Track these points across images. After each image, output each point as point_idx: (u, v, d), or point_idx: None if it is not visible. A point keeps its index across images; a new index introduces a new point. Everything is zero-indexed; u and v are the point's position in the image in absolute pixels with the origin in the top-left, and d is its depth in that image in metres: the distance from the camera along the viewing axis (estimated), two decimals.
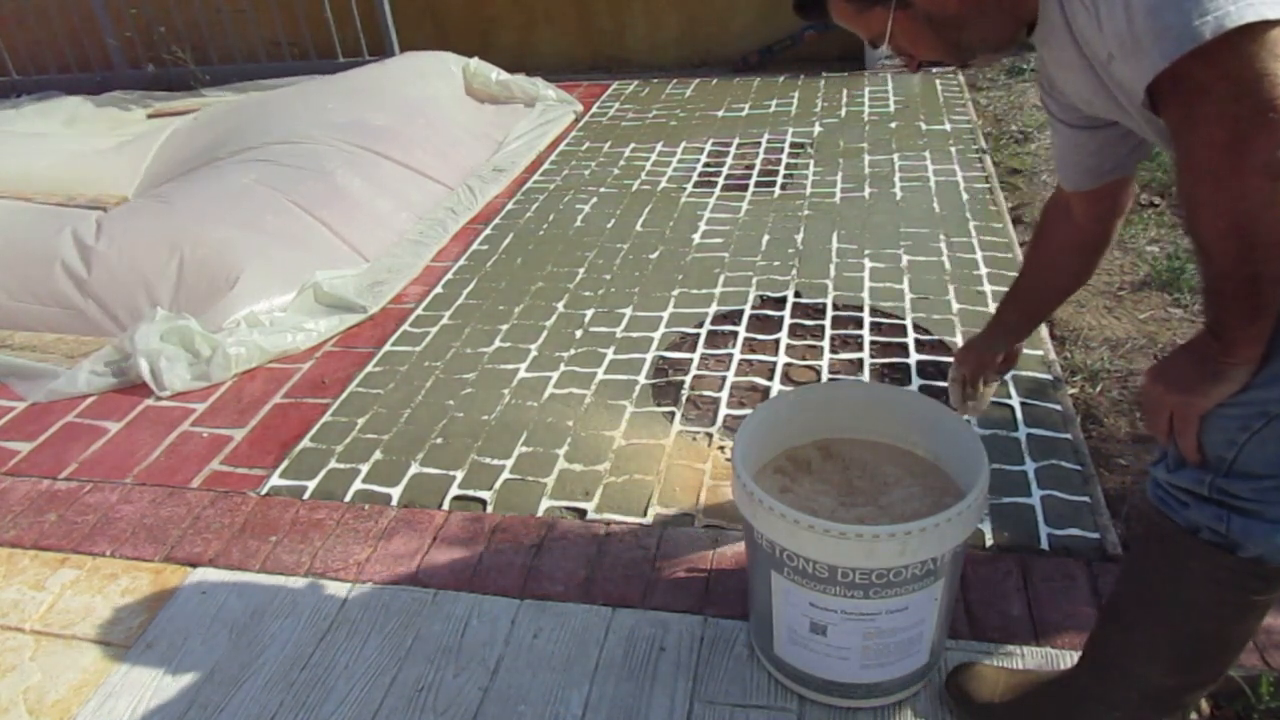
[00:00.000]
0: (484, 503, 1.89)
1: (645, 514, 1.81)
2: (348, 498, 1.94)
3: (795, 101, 4.26)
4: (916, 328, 2.36)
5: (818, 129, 3.88)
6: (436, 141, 3.69)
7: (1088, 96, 1.01)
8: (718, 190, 3.37)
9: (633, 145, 3.93)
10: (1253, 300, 0.86)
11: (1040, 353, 2.20)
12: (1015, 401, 2.03)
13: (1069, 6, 0.92)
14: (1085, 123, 1.13)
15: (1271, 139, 0.77)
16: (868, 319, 2.42)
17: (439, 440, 2.10)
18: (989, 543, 1.66)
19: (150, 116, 4.54)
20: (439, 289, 2.83)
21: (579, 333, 2.50)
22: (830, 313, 2.47)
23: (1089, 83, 0.97)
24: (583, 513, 1.83)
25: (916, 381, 2.14)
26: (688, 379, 2.24)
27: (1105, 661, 1.19)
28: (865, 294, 2.54)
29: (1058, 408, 2.00)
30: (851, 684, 1.33)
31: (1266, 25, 0.75)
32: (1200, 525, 1.00)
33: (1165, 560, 1.07)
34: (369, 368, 2.43)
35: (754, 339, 2.39)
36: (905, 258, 2.72)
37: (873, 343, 2.31)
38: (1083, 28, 0.90)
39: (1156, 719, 1.18)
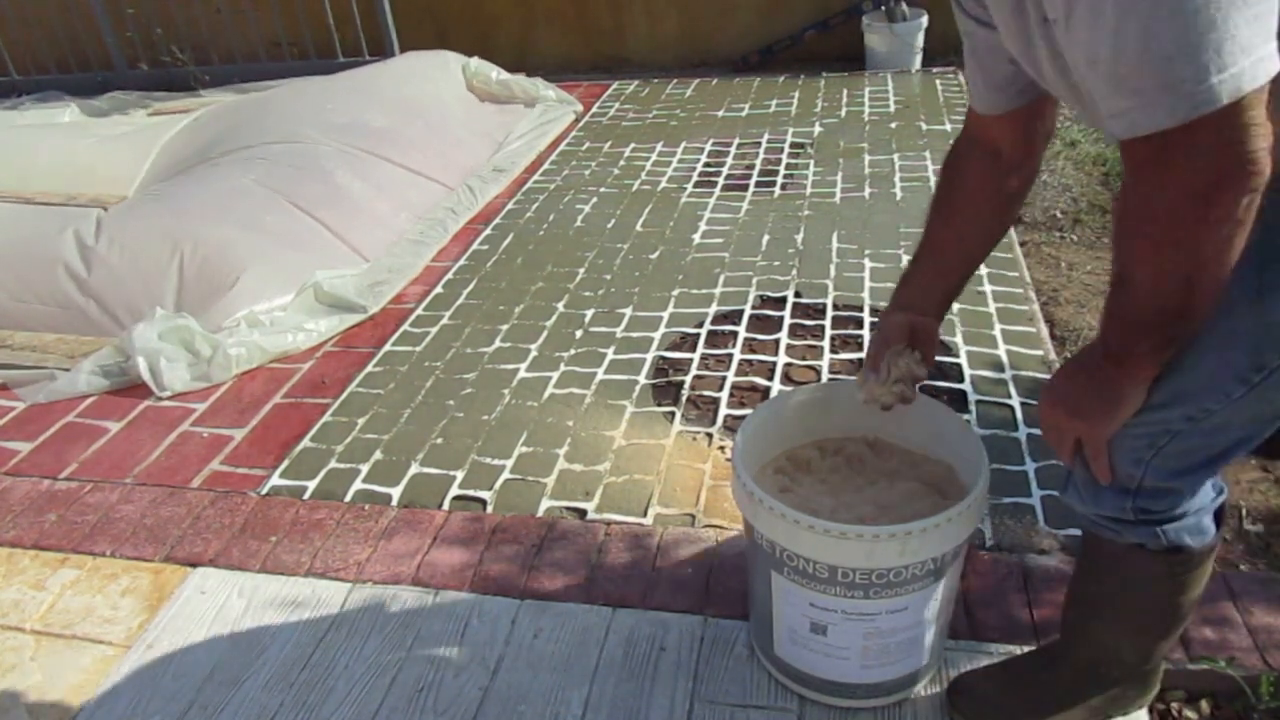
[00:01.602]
0: (484, 503, 1.89)
1: (645, 514, 1.81)
2: (348, 498, 1.94)
3: (795, 101, 4.26)
4: None
5: (818, 129, 3.88)
6: (436, 142, 3.69)
7: (1008, 29, 0.91)
8: (718, 190, 3.37)
9: (633, 145, 3.93)
10: (1171, 334, 0.88)
11: (1040, 353, 2.20)
12: (1015, 401, 2.03)
13: None
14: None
15: (1242, 190, 0.75)
16: (868, 319, 2.42)
17: (439, 440, 2.10)
18: (989, 543, 1.66)
19: (150, 116, 4.53)
20: (439, 289, 2.83)
21: (579, 333, 2.50)
22: (830, 313, 2.47)
23: (1012, 20, 0.88)
24: (583, 513, 1.83)
25: None
26: (688, 379, 2.24)
27: (1078, 645, 1.25)
28: (865, 294, 2.54)
29: None
30: (851, 684, 1.33)
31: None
32: (1143, 541, 1.06)
33: (1112, 569, 1.13)
34: (369, 368, 2.43)
35: (754, 339, 2.39)
36: (905, 258, 2.72)
37: None
38: None
39: (1137, 685, 1.26)
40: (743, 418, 1.55)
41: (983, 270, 2.59)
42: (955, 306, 2.44)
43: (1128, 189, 0.82)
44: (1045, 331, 2.29)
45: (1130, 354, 0.91)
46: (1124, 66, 0.72)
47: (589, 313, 2.60)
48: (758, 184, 3.39)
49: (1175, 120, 0.72)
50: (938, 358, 2.19)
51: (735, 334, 2.42)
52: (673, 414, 2.11)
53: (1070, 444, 1.01)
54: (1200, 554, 1.07)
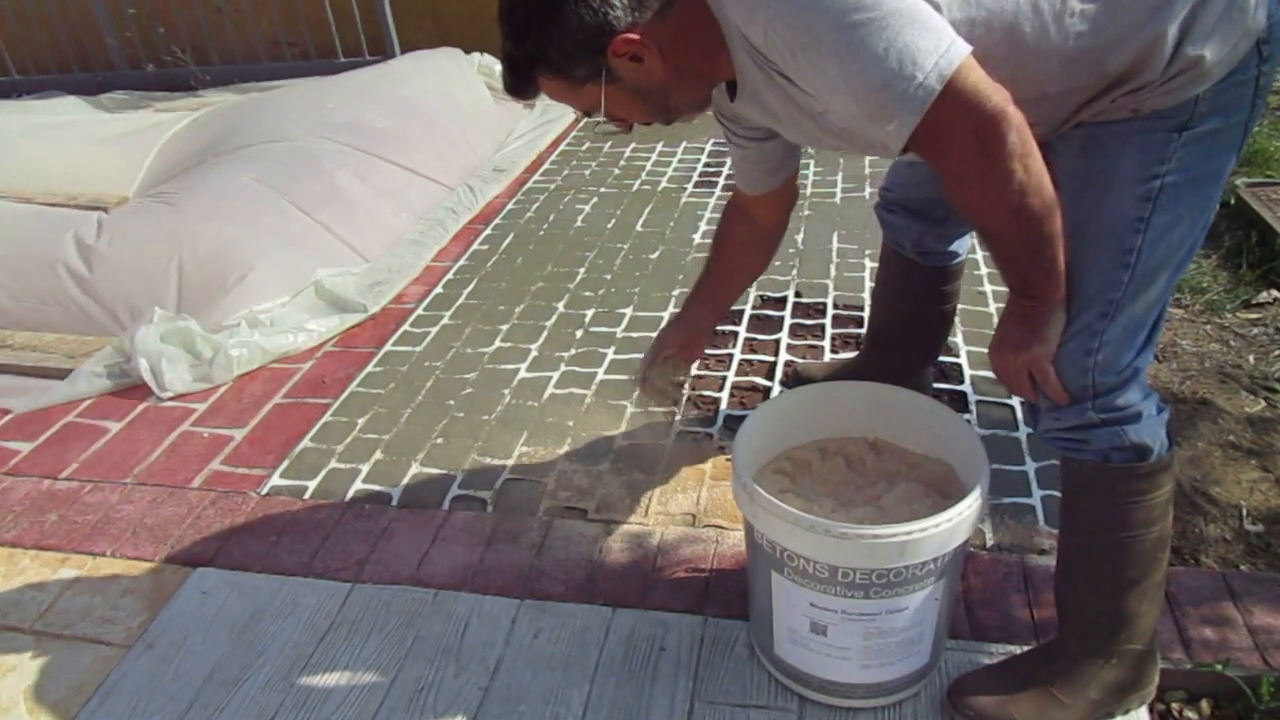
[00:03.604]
0: (484, 503, 1.89)
1: (645, 514, 1.81)
2: (348, 498, 1.94)
3: None
4: None
5: None
6: (437, 141, 3.69)
7: (797, 132, 1.20)
8: (718, 190, 3.37)
9: (633, 145, 3.93)
10: (1046, 255, 1.07)
11: None
12: (1014, 401, 2.03)
13: (776, 82, 1.08)
14: (769, 135, 1.37)
15: (1005, 130, 0.96)
16: (868, 318, 2.41)
17: (439, 440, 2.10)
18: (989, 543, 1.66)
19: (150, 116, 4.53)
20: (439, 289, 2.83)
21: (579, 332, 2.50)
22: (830, 312, 2.47)
23: (801, 123, 1.15)
24: (583, 512, 1.83)
25: None
26: (688, 379, 2.24)
27: (1071, 624, 1.30)
28: (865, 294, 2.54)
29: None
30: (851, 684, 1.33)
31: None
32: (1107, 451, 1.17)
33: (1090, 499, 1.23)
34: (369, 368, 2.43)
35: (754, 339, 2.39)
36: None
37: None
38: (791, 95, 1.08)
39: (1133, 676, 1.29)
40: (743, 418, 1.55)
41: (982, 270, 2.59)
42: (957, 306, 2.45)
43: (942, 181, 1.06)
44: None
45: (1033, 285, 1.11)
46: (870, 108, 0.98)
47: (589, 312, 2.60)
48: None
49: (918, 114, 0.95)
50: (940, 358, 2.21)
51: (735, 334, 2.42)
52: (673, 414, 2.11)
53: (1025, 379, 1.18)
54: (1161, 461, 1.18)
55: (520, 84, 1.15)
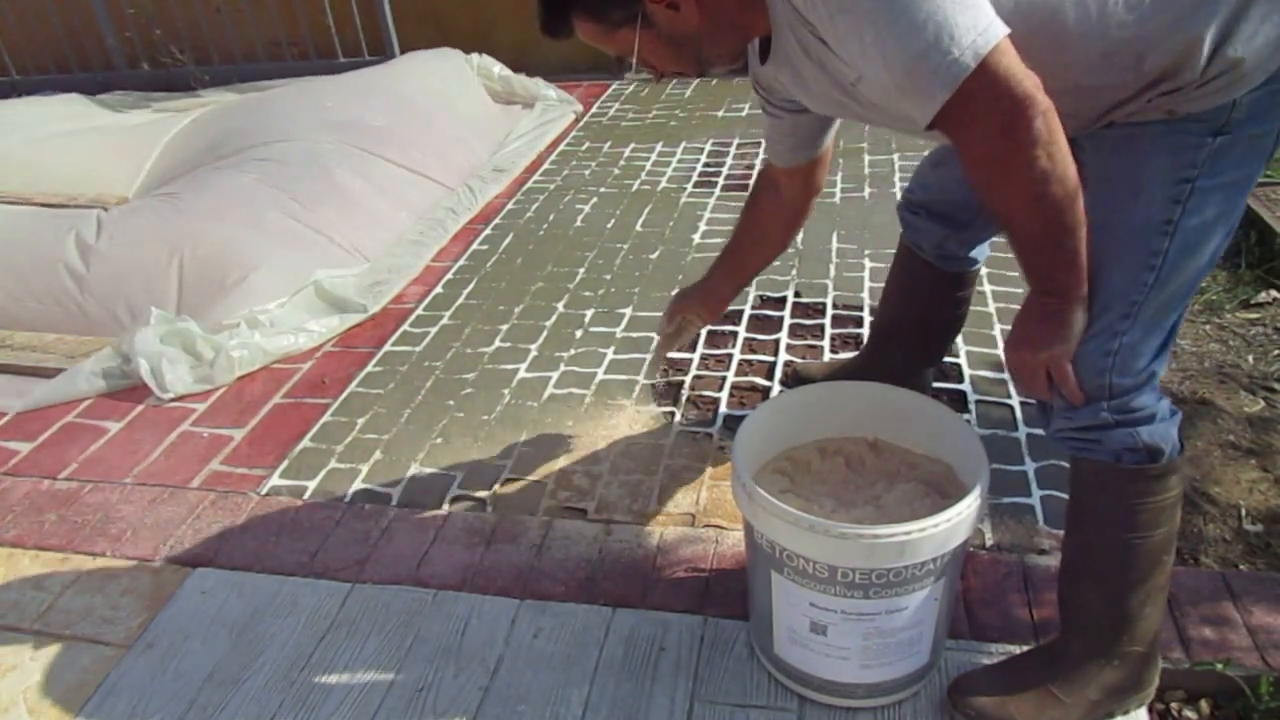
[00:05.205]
0: (484, 503, 1.89)
1: (645, 514, 1.81)
2: (348, 498, 1.94)
3: None
4: None
5: None
6: (436, 141, 3.69)
7: (825, 103, 1.21)
8: (718, 190, 3.37)
9: (633, 145, 3.93)
10: (1068, 248, 1.06)
11: None
12: (1014, 401, 2.03)
13: (810, 46, 1.08)
14: (803, 107, 1.35)
15: (1032, 115, 0.96)
16: (868, 319, 2.42)
17: (439, 440, 2.10)
18: (989, 543, 1.66)
19: (150, 116, 4.53)
20: (439, 289, 2.83)
21: (579, 333, 2.50)
22: (830, 312, 2.47)
23: (828, 94, 1.16)
24: (583, 512, 1.83)
25: None
26: (688, 379, 2.24)
27: (1072, 623, 1.31)
28: (865, 294, 2.54)
29: None
30: (851, 684, 1.33)
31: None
32: (1119, 452, 1.17)
33: (1098, 499, 1.22)
34: (369, 368, 2.43)
35: (754, 339, 2.39)
36: None
37: None
38: (825, 62, 1.09)
39: (1133, 678, 1.29)
40: (743, 418, 1.55)
41: (983, 270, 2.59)
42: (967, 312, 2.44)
43: (964, 162, 1.05)
44: None
45: (1054, 280, 1.10)
46: (902, 78, 0.98)
47: (589, 313, 2.60)
48: None
49: (949, 90, 0.96)
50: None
51: (735, 334, 2.42)
52: (673, 414, 2.11)
53: (1042, 378, 1.16)
54: (1172, 463, 1.18)
55: (554, 23, 1.14)
